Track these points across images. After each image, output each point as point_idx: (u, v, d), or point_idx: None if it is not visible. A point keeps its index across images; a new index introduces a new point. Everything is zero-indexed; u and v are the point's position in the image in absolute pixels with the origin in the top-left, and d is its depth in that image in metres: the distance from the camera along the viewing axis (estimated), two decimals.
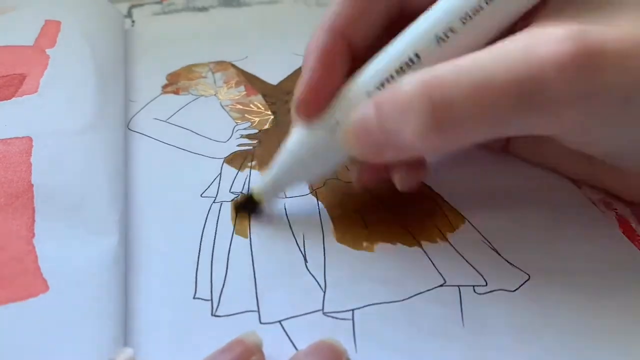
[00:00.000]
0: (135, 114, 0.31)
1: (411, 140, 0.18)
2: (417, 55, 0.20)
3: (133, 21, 0.42)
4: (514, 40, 0.18)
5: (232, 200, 0.25)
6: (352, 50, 0.22)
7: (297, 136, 0.22)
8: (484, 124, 0.18)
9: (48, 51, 0.32)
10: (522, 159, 0.26)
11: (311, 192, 0.25)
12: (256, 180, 0.24)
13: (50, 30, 0.34)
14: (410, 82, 0.18)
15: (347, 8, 0.22)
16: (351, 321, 0.20)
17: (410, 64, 0.20)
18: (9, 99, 0.28)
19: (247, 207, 0.24)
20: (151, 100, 0.32)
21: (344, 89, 0.21)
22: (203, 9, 0.43)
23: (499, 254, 0.22)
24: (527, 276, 0.21)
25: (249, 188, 0.26)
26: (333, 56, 0.21)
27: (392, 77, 0.20)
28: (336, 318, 0.20)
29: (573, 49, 0.17)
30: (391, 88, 0.19)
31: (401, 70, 0.20)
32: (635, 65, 0.17)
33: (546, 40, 0.17)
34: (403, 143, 0.19)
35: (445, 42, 0.19)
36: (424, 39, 0.20)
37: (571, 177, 0.26)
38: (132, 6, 0.44)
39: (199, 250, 0.23)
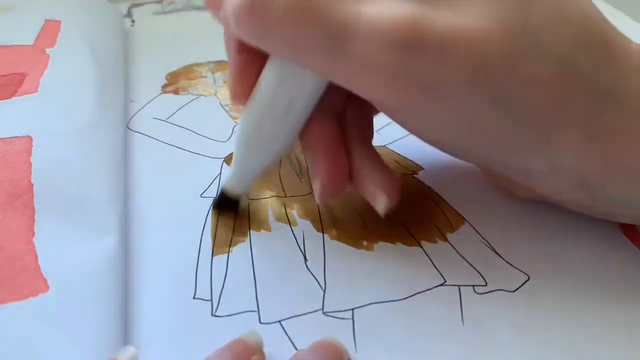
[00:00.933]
0: (135, 113, 0.31)
1: (228, 15, 0.18)
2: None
3: (133, 21, 0.42)
4: None
5: (211, 206, 0.25)
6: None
7: (241, 119, 0.22)
8: (296, 47, 0.18)
9: (48, 51, 0.32)
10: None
11: (311, 193, 0.25)
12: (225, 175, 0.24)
13: (50, 30, 0.34)
14: None
15: None
16: (351, 321, 0.20)
17: None
18: (9, 98, 0.28)
19: (226, 205, 0.24)
20: (151, 100, 0.32)
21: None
22: (203, 8, 0.43)
23: (499, 255, 0.22)
24: (527, 277, 0.21)
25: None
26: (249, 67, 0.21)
27: None
28: (336, 317, 0.20)
29: (396, 22, 0.16)
30: None
31: None
32: (453, 52, 0.16)
33: (379, 5, 0.17)
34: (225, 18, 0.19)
35: None
36: None
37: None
38: (132, 5, 0.44)
39: (199, 250, 0.23)
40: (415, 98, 0.18)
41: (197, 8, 0.43)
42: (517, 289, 0.21)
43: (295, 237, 0.23)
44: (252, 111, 0.21)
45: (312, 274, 0.22)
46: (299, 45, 0.18)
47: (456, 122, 0.18)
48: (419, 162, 0.27)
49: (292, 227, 0.24)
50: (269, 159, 0.22)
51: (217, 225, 0.24)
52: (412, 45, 0.16)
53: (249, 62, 0.21)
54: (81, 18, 0.36)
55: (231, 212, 0.24)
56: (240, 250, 0.23)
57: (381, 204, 0.21)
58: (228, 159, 0.28)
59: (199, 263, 0.22)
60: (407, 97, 0.18)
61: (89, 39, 0.33)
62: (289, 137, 0.22)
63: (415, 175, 0.26)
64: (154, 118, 0.31)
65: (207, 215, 0.24)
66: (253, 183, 0.24)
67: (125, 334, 0.20)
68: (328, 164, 0.21)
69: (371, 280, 0.21)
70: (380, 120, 0.24)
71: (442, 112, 0.18)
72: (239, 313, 0.20)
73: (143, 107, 0.31)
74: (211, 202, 0.25)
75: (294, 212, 0.24)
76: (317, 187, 0.22)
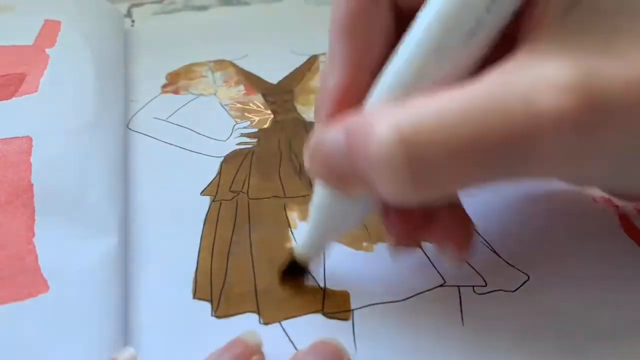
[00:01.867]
0: (135, 113, 0.31)
1: (382, 192, 0.16)
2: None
3: (133, 21, 0.42)
4: (511, 84, 0.15)
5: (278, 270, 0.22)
6: (373, 75, 0.18)
7: (319, 187, 0.20)
8: (469, 181, 0.16)
9: (48, 51, 0.32)
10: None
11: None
12: (298, 239, 0.21)
13: (50, 30, 0.34)
14: (386, 132, 0.15)
15: None
16: (351, 321, 0.20)
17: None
18: (9, 98, 0.28)
19: (293, 272, 0.21)
20: (151, 100, 0.32)
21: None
22: (203, 8, 0.43)
23: (498, 255, 0.22)
24: (527, 277, 0.21)
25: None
26: (352, 89, 0.19)
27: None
28: (336, 318, 0.20)
29: (574, 104, 0.14)
30: (364, 121, 0.16)
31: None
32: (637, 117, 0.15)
33: (547, 88, 0.15)
34: (373, 188, 0.16)
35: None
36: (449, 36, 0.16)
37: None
38: (132, 5, 0.44)
39: (199, 250, 0.23)
40: (611, 162, 0.16)
41: (197, 8, 0.43)
42: (517, 289, 0.21)
43: (294, 239, 0.23)
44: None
45: (312, 275, 0.22)
46: (476, 180, 0.16)
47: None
48: None
49: (292, 230, 0.24)
50: (346, 228, 0.20)
51: (217, 225, 0.24)
52: (593, 122, 0.15)
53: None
54: (81, 18, 0.36)
55: (298, 277, 0.22)
56: (240, 250, 0.23)
57: (447, 256, 0.20)
58: (228, 158, 0.28)
59: (199, 263, 0.22)
60: (599, 166, 0.16)
61: (89, 39, 0.33)
62: (370, 209, 0.20)
63: None
64: (154, 118, 0.31)
65: (206, 215, 0.24)
66: (326, 248, 0.22)
67: (125, 333, 0.20)
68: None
69: (371, 281, 0.21)
70: None
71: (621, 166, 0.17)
72: (239, 313, 0.20)
73: (143, 107, 0.31)
74: (277, 267, 0.22)
75: (294, 215, 0.24)
76: (389, 241, 0.20)
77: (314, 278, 0.22)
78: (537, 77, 0.15)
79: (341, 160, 0.17)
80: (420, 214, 0.19)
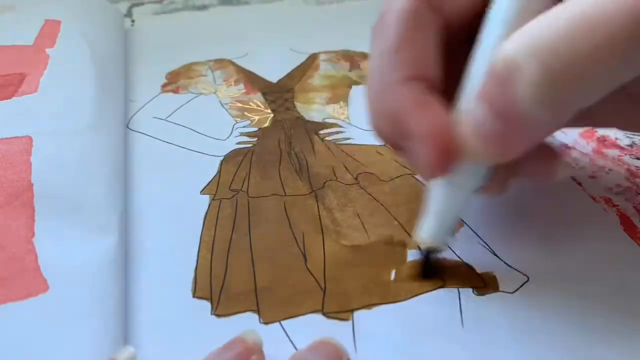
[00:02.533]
0: (135, 113, 0.31)
1: (531, 112, 0.16)
2: None
3: (133, 20, 0.42)
4: None
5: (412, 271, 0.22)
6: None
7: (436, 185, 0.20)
8: (603, 75, 0.16)
9: (48, 51, 0.32)
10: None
11: (311, 192, 0.25)
12: (420, 234, 0.21)
13: (50, 30, 0.34)
14: (515, 52, 0.16)
15: None
16: (351, 321, 0.20)
17: None
18: (9, 98, 0.28)
19: (430, 269, 0.22)
20: (151, 100, 0.32)
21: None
22: (203, 7, 0.44)
23: (497, 256, 0.22)
24: (526, 277, 0.21)
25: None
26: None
27: None
28: (336, 318, 0.20)
29: None
30: (487, 72, 0.17)
31: None
32: None
33: None
34: (524, 120, 0.16)
35: None
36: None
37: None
38: (132, 5, 0.44)
39: (199, 249, 0.23)
40: None
41: (197, 8, 0.43)
42: (517, 290, 0.21)
43: (295, 237, 0.23)
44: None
45: (312, 274, 0.22)
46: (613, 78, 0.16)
47: None
48: None
49: (292, 228, 0.24)
50: (469, 202, 0.21)
51: (216, 224, 0.24)
52: None
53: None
54: (81, 18, 0.36)
55: (435, 274, 0.22)
56: (240, 248, 0.23)
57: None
58: (228, 157, 0.28)
59: (199, 262, 0.22)
60: None
61: (89, 39, 0.33)
62: (483, 178, 0.20)
63: (415, 176, 0.26)
64: (154, 117, 0.31)
65: (206, 213, 0.24)
66: (452, 234, 0.22)
67: (125, 333, 0.20)
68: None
69: (370, 281, 0.21)
70: None
71: None
72: (239, 313, 0.20)
73: (143, 107, 0.31)
74: (412, 270, 0.22)
75: (294, 214, 0.24)
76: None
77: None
78: None
79: (490, 123, 0.17)
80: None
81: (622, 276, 0.21)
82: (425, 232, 0.21)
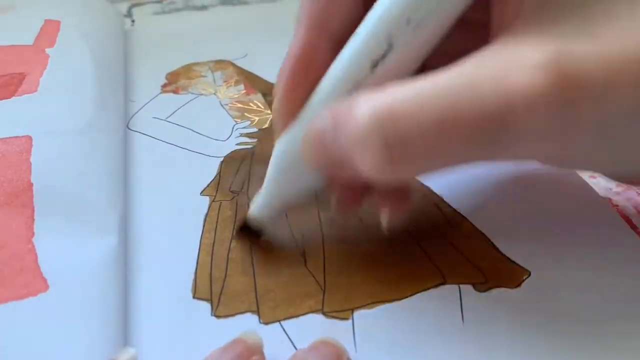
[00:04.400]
0: (135, 113, 0.31)
1: (364, 171, 0.17)
2: (389, 44, 0.18)
3: (133, 20, 0.42)
4: (484, 66, 0.16)
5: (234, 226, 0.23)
6: (334, 40, 0.20)
7: (279, 142, 0.21)
8: (443, 159, 0.17)
9: (48, 51, 0.32)
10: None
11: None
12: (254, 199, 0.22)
13: (49, 30, 0.34)
14: (364, 112, 0.16)
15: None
16: (351, 321, 0.20)
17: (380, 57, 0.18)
18: (9, 98, 0.28)
19: (249, 232, 0.22)
20: (151, 100, 0.32)
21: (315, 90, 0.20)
22: (203, 7, 0.43)
23: (499, 252, 0.22)
24: (528, 272, 0.21)
25: (248, 190, 0.26)
26: (311, 54, 0.20)
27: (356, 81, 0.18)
28: (336, 318, 0.20)
29: (546, 82, 0.15)
30: (347, 105, 0.17)
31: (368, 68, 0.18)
32: (615, 93, 0.15)
33: (518, 68, 0.15)
34: (356, 168, 0.17)
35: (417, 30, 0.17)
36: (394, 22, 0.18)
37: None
38: (132, 5, 0.44)
39: (199, 250, 0.23)
40: (589, 139, 0.16)
41: (197, 8, 0.43)
42: (518, 285, 0.21)
43: (295, 237, 0.23)
44: (295, 134, 0.20)
45: (312, 274, 0.22)
46: (451, 159, 0.17)
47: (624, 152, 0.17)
48: None
49: (292, 228, 0.24)
50: (304, 190, 0.21)
51: (216, 226, 0.24)
52: (567, 98, 0.15)
53: (307, 78, 0.20)
54: (81, 18, 0.36)
55: (251, 237, 0.23)
56: (240, 250, 0.23)
57: (383, 219, 0.21)
58: (228, 158, 0.27)
59: (199, 262, 0.22)
60: (578, 142, 0.16)
61: (89, 39, 0.33)
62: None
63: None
64: (154, 117, 0.30)
65: (206, 215, 0.24)
66: (280, 215, 0.22)
67: (125, 333, 0.20)
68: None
69: (371, 280, 0.21)
70: None
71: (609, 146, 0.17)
72: (239, 313, 0.20)
73: (143, 107, 0.31)
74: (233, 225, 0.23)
75: (294, 214, 0.24)
76: (333, 200, 0.21)
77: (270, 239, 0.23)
78: (510, 60, 0.16)
79: (330, 144, 0.18)
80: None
81: (625, 272, 0.21)
82: (255, 201, 0.22)
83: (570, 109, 0.15)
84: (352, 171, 0.18)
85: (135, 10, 0.43)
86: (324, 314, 0.20)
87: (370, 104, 0.16)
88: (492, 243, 0.23)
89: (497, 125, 0.15)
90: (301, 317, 0.20)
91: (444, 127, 0.15)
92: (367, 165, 0.17)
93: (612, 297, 0.20)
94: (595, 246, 0.22)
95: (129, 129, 0.30)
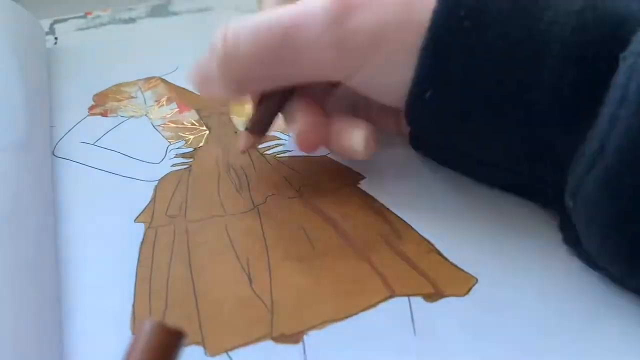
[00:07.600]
0: (61, 138, 0.29)
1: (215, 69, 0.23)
2: None
3: (56, 38, 0.40)
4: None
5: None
6: None
7: None
8: (260, 62, 0.22)
9: None
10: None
11: (253, 209, 0.25)
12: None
13: None
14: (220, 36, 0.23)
15: None
16: (302, 344, 0.19)
17: None
18: None
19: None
20: (77, 123, 0.30)
21: None
22: (130, 20, 0.42)
23: (446, 259, 0.22)
24: (475, 279, 0.21)
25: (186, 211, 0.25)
26: None
27: None
28: (286, 343, 0.19)
29: (331, 5, 0.21)
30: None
31: None
32: (377, 9, 0.20)
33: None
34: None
35: None
36: None
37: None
38: (55, 22, 0.42)
39: (135, 282, 0.21)
40: (365, 51, 0.21)
41: (124, 21, 0.42)
42: (467, 292, 0.21)
43: (239, 259, 0.22)
44: None
45: (259, 296, 0.21)
46: (264, 78, 0.23)
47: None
48: (360, 171, 0.26)
49: (236, 249, 0.23)
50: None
51: (153, 254, 0.23)
52: (342, 12, 0.21)
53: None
54: (7, 31, 0.33)
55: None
56: (180, 278, 0.22)
57: (358, 137, 0.24)
58: (163, 181, 0.26)
59: (136, 297, 0.21)
60: (355, 53, 0.21)
61: (17, 52, 0.31)
62: None
63: (358, 185, 0.26)
64: (81, 142, 0.29)
65: (141, 244, 0.23)
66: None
67: None
68: (307, 115, 0.24)
69: (319, 298, 0.21)
70: None
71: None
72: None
73: (69, 132, 0.30)
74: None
75: (237, 234, 0.23)
76: (294, 132, 0.25)
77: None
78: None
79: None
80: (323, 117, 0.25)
81: (572, 274, 0.21)
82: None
83: (344, 20, 0.21)
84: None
85: (58, 27, 0.41)
86: (273, 339, 0.19)
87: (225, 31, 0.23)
88: (439, 252, 0.22)
89: (292, 33, 0.21)
90: (250, 346, 0.19)
91: (257, 35, 0.22)
92: (219, 82, 0.24)
93: (561, 299, 0.20)
94: (541, 250, 0.22)
95: (54, 155, 0.28)
